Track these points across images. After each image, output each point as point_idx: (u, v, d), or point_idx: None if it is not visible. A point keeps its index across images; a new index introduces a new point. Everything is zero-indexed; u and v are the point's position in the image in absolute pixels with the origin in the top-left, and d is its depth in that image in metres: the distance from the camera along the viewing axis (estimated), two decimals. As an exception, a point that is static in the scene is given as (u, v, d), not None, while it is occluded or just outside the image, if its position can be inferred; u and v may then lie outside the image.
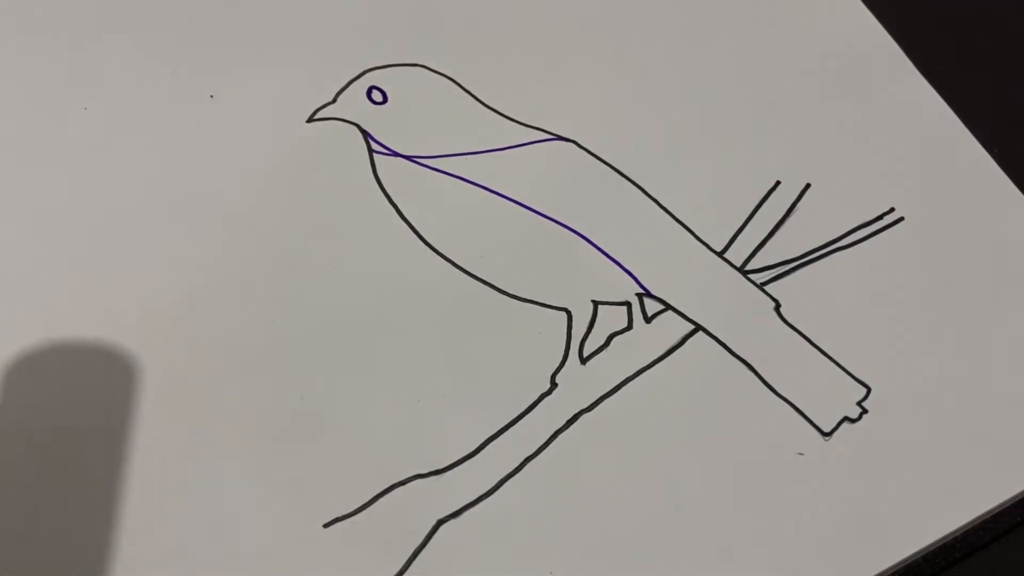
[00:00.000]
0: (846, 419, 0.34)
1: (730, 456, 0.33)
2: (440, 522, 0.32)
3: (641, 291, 0.37)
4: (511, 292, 0.36)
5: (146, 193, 0.38)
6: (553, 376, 0.35)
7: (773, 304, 0.36)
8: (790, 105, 0.41)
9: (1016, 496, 0.33)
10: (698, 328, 0.36)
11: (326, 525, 0.32)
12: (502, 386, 0.35)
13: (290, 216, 0.38)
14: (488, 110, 0.41)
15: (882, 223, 0.38)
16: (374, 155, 0.39)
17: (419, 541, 0.32)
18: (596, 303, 0.36)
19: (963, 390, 0.35)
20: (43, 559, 0.31)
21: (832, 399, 0.35)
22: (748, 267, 0.37)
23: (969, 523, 0.32)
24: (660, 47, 0.42)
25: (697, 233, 0.38)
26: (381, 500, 0.32)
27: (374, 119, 0.40)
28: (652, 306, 0.36)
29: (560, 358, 0.35)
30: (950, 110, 0.41)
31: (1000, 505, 0.33)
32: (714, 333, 0.36)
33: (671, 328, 0.36)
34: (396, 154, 0.40)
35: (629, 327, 0.36)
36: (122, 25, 0.43)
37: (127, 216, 0.38)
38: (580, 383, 0.35)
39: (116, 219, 0.38)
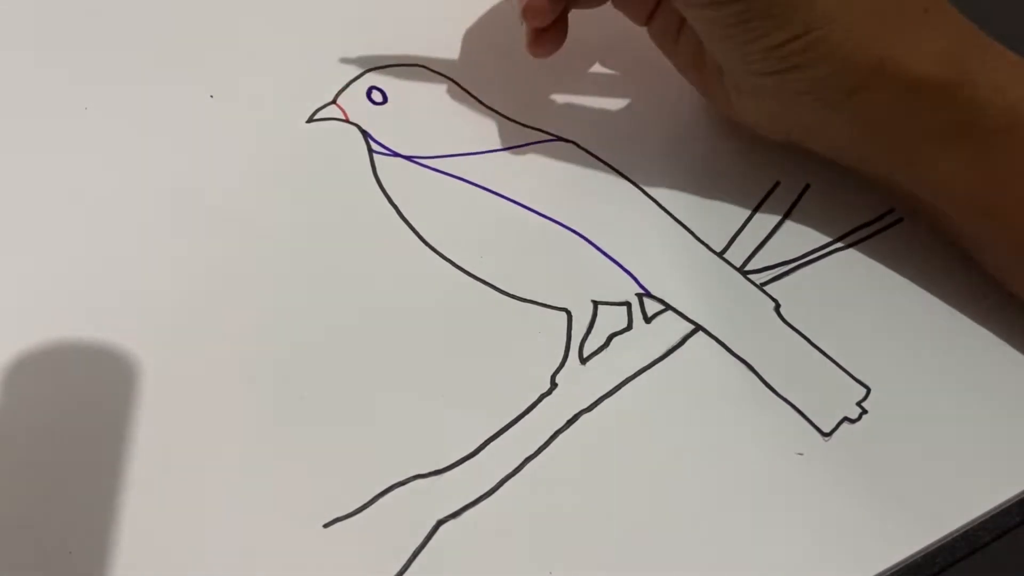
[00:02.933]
0: (846, 419, 0.34)
1: (730, 456, 0.33)
2: (440, 522, 0.32)
3: (641, 291, 0.37)
4: (511, 292, 0.36)
5: (146, 193, 0.38)
6: (553, 376, 0.35)
7: (773, 304, 0.36)
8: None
9: (1016, 496, 0.33)
10: (698, 328, 0.36)
11: (326, 525, 0.32)
12: (502, 386, 0.35)
13: (290, 216, 0.38)
14: (488, 110, 0.41)
15: (881, 223, 0.38)
16: (374, 155, 0.39)
17: (419, 541, 0.32)
18: (596, 303, 0.36)
19: (962, 390, 0.35)
20: (43, 559, 0.31)
21: (832, 399, 0.35)
22: (748, 267, 0.37)
23: (969, 523, 0.32)
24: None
25: (697, 233, 0.38)
26: (381, 500, 0.32)
27: (374, 119, 0.40)
28: (652, 306, 0.36)
29: (560, 358, 0.35)
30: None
31: (1000, 505, 0.33)
32: (714, 333, 0.36)
33: (671, 328, 0.36)
34: (396, 154, 0.40)
35: (629, 327, 0.36)
36: (122, 25, 0.43)
37: (127, 216, 0.38)
38: (580, 383, 0.35)
39: (116, 219, 0.38)
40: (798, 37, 0.33)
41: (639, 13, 0.39)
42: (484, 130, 0.40)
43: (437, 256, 0.37)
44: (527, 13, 0.36)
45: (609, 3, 0.39)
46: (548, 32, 0.37)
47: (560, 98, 0.41)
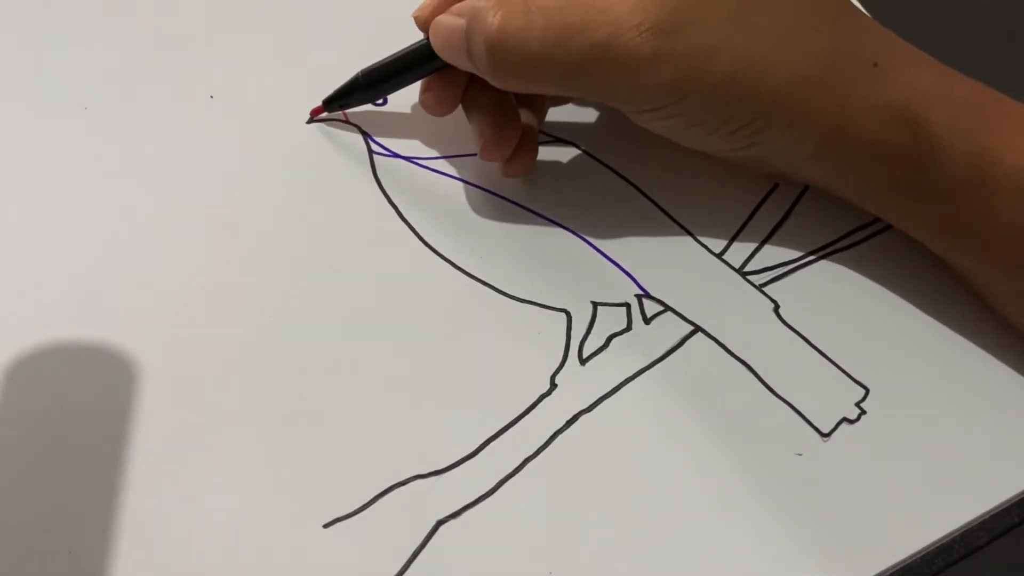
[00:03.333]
0: (845, 420, 0.34)
1: (729, 456, 0.33)
2: (440, 522, 0.32)
3: (640, 292, 0.37)
4: (511, 293, 0.37)
5: (146, 193, 0.38)
6: (553, 377, 0.35)
7: (772, 305, 0.37)
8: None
9: (1015, 496, 0.33)
10: (697, 329, 0.36)
11: (326, 525, 0.32)
12: (502, 386, 0.35)
13: (290, 216, 0.38)
14: (488, 111, 0.41)
15: (880, 225, 0.38)
16: (374, 156, 0.40)
17: (419, 541, 0.32)
18: (595, 304, 0.36)
19: (961, 391, 0.35)
20: (43, 559, 0.31)
21: (831, 400, 0.35)
22: (747, 268, 0.37)
23: (969, 523, 0.32)
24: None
25: (696, 234, 0.38)
26: (381, 500, 0.32)
27: (374, 120, 0.40)
28: (651, 307, 0.37)
29: (560, 359, 0.35)
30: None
31: (999, 505, 0.33)
32: (713, 334, 0.36)
33: (670, 329, 0.36)
34: (396, 155, 0.40)
35: (628, 328, 0.36)
36: (123, 25, 0.43)
37: (127, 216, 0.38)
38: (579, 384, 0.35)
39: (116, 219, 0.38)
40: (748, 125, 0.34)
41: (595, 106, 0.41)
42: (484, 131, 0.40)
43: (437, 256, 0.37)
44: (484, 153, 0.37)
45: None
46: (513, 160, 0.38)
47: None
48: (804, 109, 0.34)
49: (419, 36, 0.37)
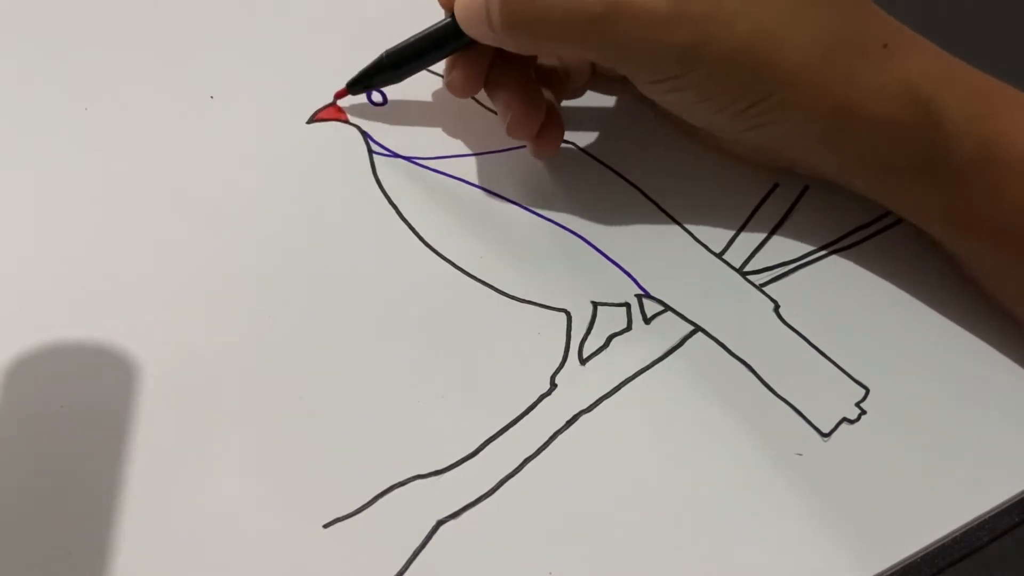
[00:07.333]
0: (845, 420, 0.34)
1: (730, 456, 0.33)
2: (440, 522, 0.32)
3: (640, 292, 0.37)
4: (511, 293, 0.37)
5: (146, 193, 0.38)
6: (553, 377, 0.35)
7: (772, 305, 0.37)
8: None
9: (1016, 496, 0.33)
10: (697, 329, 0.36)
11: (326, 525, 0.32)
12: (502, 387, 0.35)
13: (290, 216, 0.38)
14: (487, 111, 0.41)
15: (880, 225, 0.38)
16: (374, 156, 0.40)
17: (419, 541, 0.32)
18: (595, 304, 0.36)
19: (961, 391, 0.35)
20: (43, 559, 0.31)
21: (831, 400, 0.35)
22: (747, 268, 0.37)
23: (968, 523, 0.32)
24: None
25: (696, 234, 0.38)
26: (381, 500, 0.32)
27: (374, 120, 0.40)
28: (651, 307, 0.37)
29: (560, 359, 0.35)
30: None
31: (999, 505, 0.33)
32: (713, 334, 0.36)
33: (670, 329, 0.36)
34: (396, 155, 0.40)
35: (628, 328, 0.36)
36: (123, 26, 0.43)
37: (127, 216, 0.38)
38: (580, 384, 0.35)
39: (116, 219, 0.38)
40: (760, 102, 0.34)
41: (613, 91, 0.41)
42: (484, 131, 0.40)
43: (437, 256, 0.37)
44: (512, 129, 0.37)
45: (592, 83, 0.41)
46: (543, 136, 0.38)
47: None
48: (815, 87, 0.33)
49: (424, 26, 0.38)
